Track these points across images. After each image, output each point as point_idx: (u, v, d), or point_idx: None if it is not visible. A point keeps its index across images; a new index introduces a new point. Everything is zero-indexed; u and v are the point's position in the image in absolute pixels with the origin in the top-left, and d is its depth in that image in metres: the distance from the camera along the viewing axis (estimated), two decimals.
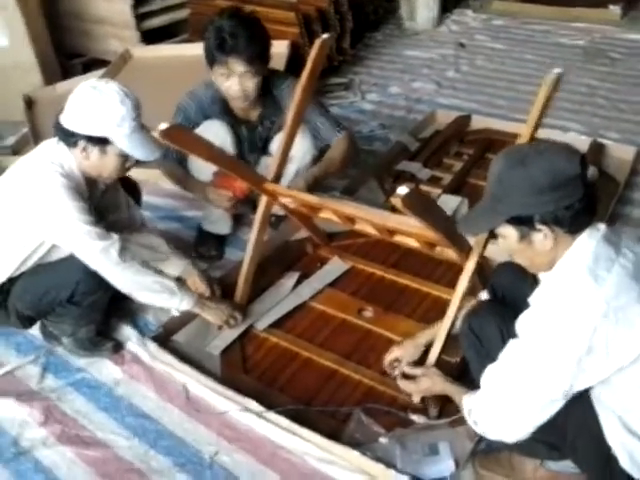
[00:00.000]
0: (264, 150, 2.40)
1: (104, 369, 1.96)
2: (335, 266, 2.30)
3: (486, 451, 1.62)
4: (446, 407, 1.70)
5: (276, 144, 2.33)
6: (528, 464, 1.54)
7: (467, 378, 1.61)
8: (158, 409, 1.82)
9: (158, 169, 2.44)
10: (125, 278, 1.84)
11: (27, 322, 1.98)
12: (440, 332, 1.74)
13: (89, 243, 1.77)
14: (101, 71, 3.60)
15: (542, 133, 2.98)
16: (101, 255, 1.79)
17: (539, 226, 1.25)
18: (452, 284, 2.10)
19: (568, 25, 4.46)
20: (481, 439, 1.61)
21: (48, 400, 1.85)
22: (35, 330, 2.05)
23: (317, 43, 1.95)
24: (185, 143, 1.67)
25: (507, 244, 1.34)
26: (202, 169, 2.27)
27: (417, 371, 1.70)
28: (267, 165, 2.33)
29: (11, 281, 1.88)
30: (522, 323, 1.31)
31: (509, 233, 1.30)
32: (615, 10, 4.51)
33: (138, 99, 1.80)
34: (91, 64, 4.11)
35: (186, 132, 1.66)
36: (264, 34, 2.22)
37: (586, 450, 1.36)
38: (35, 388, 1.90)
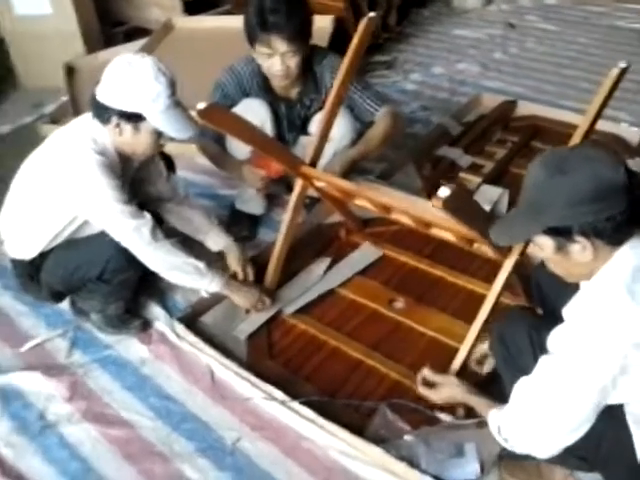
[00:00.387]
0: (303, 129, 2.34)
1: (131, 347, 1.96)
2: (367, 252, 2.25)
3: (513, 456, 1.56)
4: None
5: (315, 124, 2.29)
6: (557, 473, 1.49)
7: (496, 387, 1.54)
8: (183, 392, 1.81)
9: (194, 144, 2.40)
10: (156, 257, 1.82)
11: (57, 297, 1.99)
12: (469, 335, 1.69)
13: (122, 221, 1.76)
14: (142, 41, 3.58)
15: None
16: (133, 234, 1.77)
17: (577, 238, 1.17)
18: (488, 279, 2.04)
19: (625, 7, 4.24)
20: None
21: (75, 375, 1.87)
22: (65, 304, 2.07)
23: (363, 22, 1.87)
24: (223, 123, 1.62)
25: (544, 254, 1.26)
26: (240, 148, 2.22)
27: (437, 378, 1.62)
28: (304, 145, 2.29)
29: (42, 256, 1.88)
30: (555, 339, 1.25)
31: (545, 243, 1.22)
32: None
33: (174, 76, 1.75)
34: (133, 33, 4.09)
35: (224, 112, 1.62)
36: (306, 10, 2.15)
37: (617, 465, 1.30)
38: (63, 362, 1.91)
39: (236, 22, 3.57)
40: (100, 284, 1.88)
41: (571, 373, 1.19)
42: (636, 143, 2.71)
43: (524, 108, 3.06)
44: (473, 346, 1.67)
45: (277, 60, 2.11)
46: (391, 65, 3.66)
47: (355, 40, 1.90)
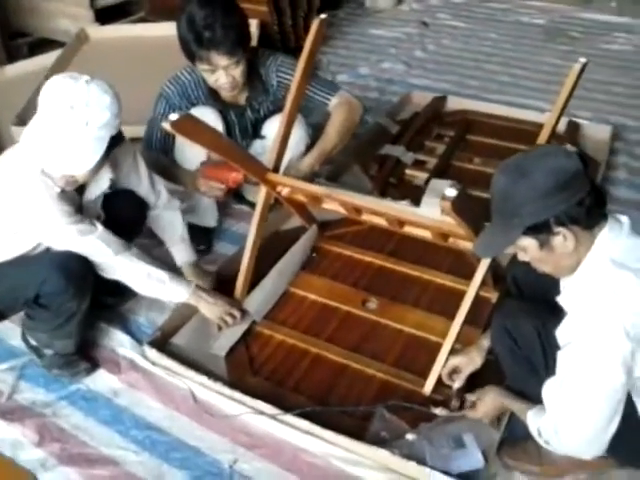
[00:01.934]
0: (255, 134, 2.29)
1: (99, 379, 1.83)
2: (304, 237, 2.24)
3: (512, 440, 1.60)
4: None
5: (269, 127, 2.25)
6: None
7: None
8: (165, 418, 1.71)
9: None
10: (116, 268, 1.77)
11: None
12: (451, 331, 1.71)
13: (73, 242, 1.71)
14: (54, 53, 3.36)
15: (518, 114, 3.04)
16: (89, 249, 1.73)
17: (557, 229, 1.23)
18: (453, 271, 2.11)
19: (526, 3, 4.49)
20: (506, 429, 1.59)
21: (42, 417, 1.71)
22: (17, 340, 1.89)
23: (315, 23, 1.86)
24: (192, 134, 1.55)
25: (529, 255, 1.31)
26: (189, 159, 2.14)
27: (472, 397, 1.60)
28: (257, 150, 2.23)
29: None
30: (564, 332, 1.28)
31: (529, 244, 1.27)
32: None
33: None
34: (38, 44, 3.84)
35: (193, 122, 1.54)
36: (240, 15, 2.08)
37: (629, 444, 1.35)
38: (26, 404, 1.75)
39: (154, 30, 3.48)
40: (38, 310, 1.74)
41: (592, 358, 1.22)
42: (562, 131, 2.86)
43: (454, 103, 3.16)
44: (455, 343, 1.70)
45: (221, 74, 2.06)
46: (317, 67, 3.66)
47: (308, 42, 1.89)
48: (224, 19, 1.98)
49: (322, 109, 2.21)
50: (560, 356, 1.28)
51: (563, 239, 1.24)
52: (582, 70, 1.69)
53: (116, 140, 1.66)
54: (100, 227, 1.74)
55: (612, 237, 1.26)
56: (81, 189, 1.76)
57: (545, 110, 3.08)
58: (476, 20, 4.29)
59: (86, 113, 1.54)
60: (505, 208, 1.26)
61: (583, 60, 1.69)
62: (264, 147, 2.22)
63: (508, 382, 1.54)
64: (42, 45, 3.80)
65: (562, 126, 2.86)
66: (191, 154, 2.16)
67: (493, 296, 1.96)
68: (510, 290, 1.67)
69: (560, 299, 1.34)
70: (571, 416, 1.28)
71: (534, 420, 1.38)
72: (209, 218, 2.33)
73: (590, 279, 1.27)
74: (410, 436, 1.60)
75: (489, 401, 1.55)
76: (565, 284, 1.35)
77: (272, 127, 2.16)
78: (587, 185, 1.22)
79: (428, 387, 1.71)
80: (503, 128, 2.97)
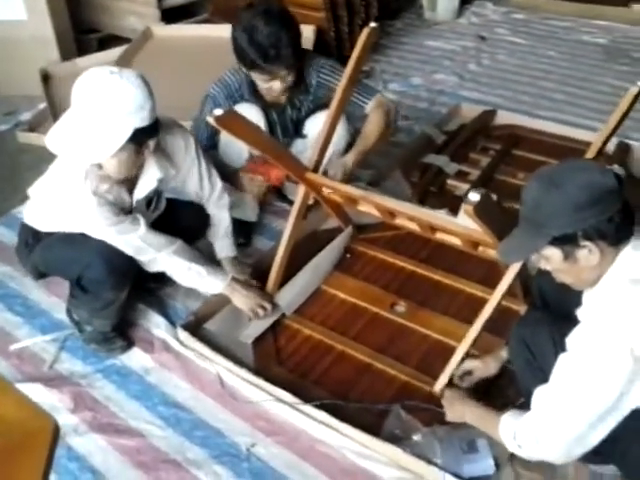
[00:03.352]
0: (297, 132, 2.37)
1: (133, 356, 1.93)
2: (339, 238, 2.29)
3: None
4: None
5: (310, 126, 2.34)
6: (570, 464, 1.53)
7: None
8: (191, 399, 1.79)
9: None
10: (158, 263, 1.87)
11: (38, 275, 2.00)
12: (469, 335, 1.73)
13: (116, 240, 1.79)
14: (121, 48, 3.54)
15: (567, 131, 3.02)
16: (131, 247, 1.81)
17: (583, 242, 1.24)
18: (485, 281, 2.11)
19: (589, 22, 4.42)
20: None
21: (78, 386, 1.82)
22: (62, 314, 2.02)
23: (365, 32, 1.91)
24: (237, 129, 1.63)
25: (551, 265, 1.33)
26: (233, 157, 2.23)
27: (444, 401, 1.68)
28: (299, 149, 2.32)
29: (47, 234, 1.89)
30: (572, 340, 1.30)
31: (553, 254, 1.29)
32: (636, 9, 4.48)
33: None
34: (106, 40, 4.03)
35: (238, 119, 1.62)
36: (298, 29, 2.18)
37: (636, 457, 1.35)
38: (64, 373, 1.87)
39: (215, 31, 3.61)
40: (80, 291, 1.85)
41: (591, 371, 1.23)
42: (612, 151, 2.83)
43: (503, 117, 3.16)
44: (472, 345, 1.72)
45: (277, 83, 2.16)
46: (369, 75, 3.71)
47: (357, 49, 1.94)
48: (288, 37, 2.09)
49: (360, 112, 2.31)
50: (559, 360, 1.30)
51: (588, 253, 1.25)
52: (639, 94, 1.68)
53: (148, 133, 1.67)
54: (143, 226, 1.80)
55: (635, 254, 1.26)
56: (131, 189, 1.83)
57: (598, 130, 3.06)
58: (535, 37, 4.25)
59: (105, 102, 1.57)
60: (534, 216, 1.28)
61: None
62: (305, 145, 2.31)
63: (521, 392, 1.55)
64: (111, 41, 3.99)
65: (612, 146, 2.83)
66: (235, 151, 2.25)
67: (521, 308, 1.96)
68: (534, 300, 1.68)
69: (579, 312, 1.35)
70: (555, 418, 1.29)
71: (511, 422, 1.40)
72: (250, 213, 2.41)
73: (607, 295, 1.27)
74: (416, 437, 1.63)
75: (457, 405, 1.61)
76: (586, 297, 1.36)
77: (313, 126, 2.27)
78: (619, 203, 1.23)
79: (438, 386, 1.74)
80: (551, 145, 2.95)
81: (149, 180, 1.83)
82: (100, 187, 1.73)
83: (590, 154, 1.74)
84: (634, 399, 1.24)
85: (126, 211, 1.82)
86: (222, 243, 2.16)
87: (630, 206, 1.28)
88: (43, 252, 1.89)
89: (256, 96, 2.28)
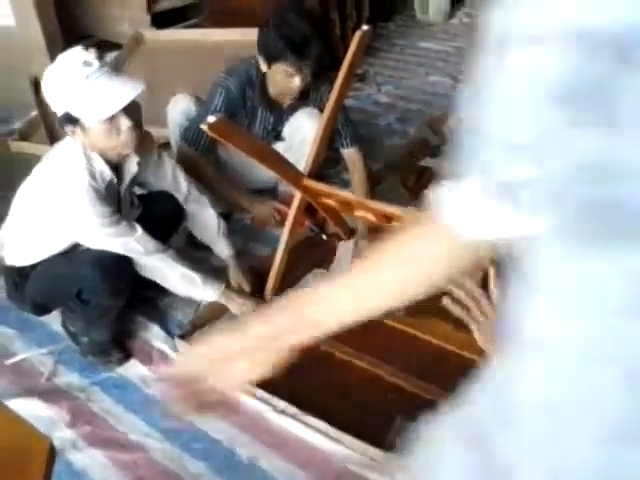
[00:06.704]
0: (277, 136, 2.38)
1: (131, 368, 1.91)
2: (343, 249, 2.27)
3: None
4: None
5: (288, 129, 2.37)
6: None
7: None
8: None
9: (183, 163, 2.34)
10: (151, 268, 1.85)
11: (40, 310, 1.95)
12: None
13: (111, 243, 1.77)
14: (111, 54, 3.50)
15: None
16: (124, 250, 1.79)
17: None
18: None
19: None
20: None
21: (76, 399, 1.80)
22: (57, 326, 2.00)
23: (357, 35, 1.89)
24: (230, 136, 1.61)
25: None
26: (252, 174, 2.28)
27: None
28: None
29: (32, 266, 1.84)
30: None
31: None
32: None
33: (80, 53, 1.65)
34: (99, 47, 4.01)
35: (232, 126, 1.61)
36: (327, 27, 2.25)
37: None
38: (62, 387, 1.85)
39: (208, 35, 3.59)
40: (79, 304, 1.83)
41: None
42: None
43: None
44: None
45: (298, 79, 2.15)
46: (363, 78, 3.71)
47: (350, 52, 1.92)
48: (320, 37, 2.12)
49: (337, 145, 2.38)
50: None
51: None
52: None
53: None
54: (139, 229, 1.81)
55: None
56: (118, 180, 1.83)
57: None
58: None
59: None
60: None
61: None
62: (284, 150, 2.29)
63: None
64: (104, 47, 3.96)
65: None
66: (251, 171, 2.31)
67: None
68: None
69: None
70: None
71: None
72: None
73: None
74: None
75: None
76: None
77: (292, 129, 2.32)
78: None
79: None
80: None
81: (131, 164, 1.84)
82: (102, 178, 1.73)
83: None
84: None
85: (115, 205, 1.81)
86: (218, 244, 2.12)
87: None
88: (36, 283, 1.84)
89: (263, 94, 2.28)
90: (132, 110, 1.69)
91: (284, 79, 2.17)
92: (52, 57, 3.52)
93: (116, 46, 3.76)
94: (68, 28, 3.93)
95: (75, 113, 1.65)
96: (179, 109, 2.40)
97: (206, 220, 2.10)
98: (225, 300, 1.95)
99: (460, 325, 1.92)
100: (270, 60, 2.14)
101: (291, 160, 1.98)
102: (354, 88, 3.59)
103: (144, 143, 1.87)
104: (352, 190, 2.36)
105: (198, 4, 3.94)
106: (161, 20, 3.88)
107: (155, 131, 2.44)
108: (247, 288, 2.08)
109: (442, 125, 3.11)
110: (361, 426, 1.68)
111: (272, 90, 2.26)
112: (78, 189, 1.69)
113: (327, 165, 2.52)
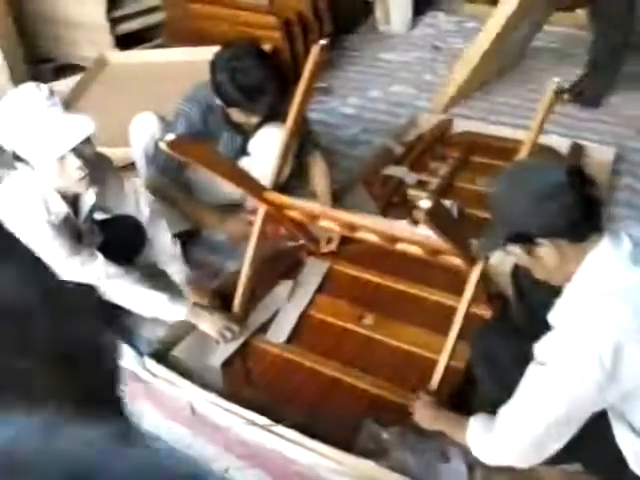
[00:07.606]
0: (243, 151, 2.40)
1: None
2: (316, 268, 2.30)
3: None
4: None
5: (254, 144, 2.39)
6: (541, 466, 1.55)
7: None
8: (163, 427, 1.77)
9: (148, 184, 2.35)
10: (115, 292, 1.87)
11: None
12: (447, 343, 1.75)
13: (74, 274, 1.78)
14: (75, 77, 3.51)
15: (523, 135, 3.08)
16: (88, 278, 1.82)
17: (539, 240, 1.25)
18: (448, 288, 2.13)
19: (543, 29, 4.53)
20: None
21: None
22: None
23: (314, 49, 1.93)
24: (191, 153, 1.63)
25: (520, 261, 1.36)
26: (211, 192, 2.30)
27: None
28: (244, 167, 2.33)
29: None
30: (542, 348, 1.28)
31: (515, 250, 1.32)
32: (582, 14, 4.61)
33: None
34: (61, 69, 4.00)
35: (192, 142, 1.63)
36: (281, 69, 2.29)
37: (599, 454, 1.38)
38: None
39: (170, 55, 3.61)
40: None
41: (562, 381, 1.23)
42: (565, 152, 2.90)
43: (459, 125, 3.22)
44: (450, 359, 1.74)
45: (255, 118, 2.22)
46: (328, 91, 3.75)
47: (308, 66, 1.96)
48: (275, 79, 2.14)
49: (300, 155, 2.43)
50: (528, 371, 1.30)
51: (547, 250, 1.25)
52: (557, 90, 1.75)
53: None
54: (100, 256, 1.84)
55: (605, 256, 1.24)
56: (75, 212, 1.85)
57: (549, 132, 3.12)
58: None
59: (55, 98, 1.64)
60: (496, 214, 1.34)
61: (557, 79, 1.78)
62: (250, 164, 2.31)
63: (484, 400, 1.58)
64: (66, 70, 3.96)
65: (565, 147, 2.91)
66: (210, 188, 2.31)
67: (487, 313, 1.99)
68: (514, 289, 1.71)
69: (550, 316, 1.31)
70: (516, 424, 1.30)
71: (477, 429, 1.42)
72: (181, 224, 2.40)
73: (576, 299, 1.26)
74: (385, 435, 1.64)
75: (427, 412, 1.63)
76: (558, 303, 1.32)
77: (258, 143, 2.34)
78: (570, 199, 1.21)
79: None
80: (508, 150, 2.99)
81: (88, 196, 1.85)
82: (60, 212, 1.73)
83: (523, 152, 1.81)
84: (594, 409, 1.25)
85: (75, 237, 1.83)
86: (172, 267, 2.11)
87: (594, 203, 1.25)
88: None
89: (227, 121, 2.30)
90: (83, 148, 1.68)
91: (241, 117, 2.22)
92: (15, 81, 3.54)
93: (79, 68, 3.77)
94: (31, 52, 3.93)
95: (22, 154, 1.65)
96: (143, 128, 2.41)
97: (163, 245, 2.09)
98: (195, 317, 1.96)
99: (426, 328, 1.99)
100: (226, 104, 2.19)
101: (257, 174, 2.01)
102: (319, 101, 3.64)
103: (102, 170, 1.88)
104: (317, 197, 2.38)
105: (161, 25, 3.96)
106: (124, 42, 3.89)
107: (120, 152, 2.47)
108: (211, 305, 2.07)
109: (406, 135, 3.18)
110: (333, 433, 1.70)
111: (234, 118, 2.29)
112: (36, 226, 1.70)
113: (297, 176, 2.53)
